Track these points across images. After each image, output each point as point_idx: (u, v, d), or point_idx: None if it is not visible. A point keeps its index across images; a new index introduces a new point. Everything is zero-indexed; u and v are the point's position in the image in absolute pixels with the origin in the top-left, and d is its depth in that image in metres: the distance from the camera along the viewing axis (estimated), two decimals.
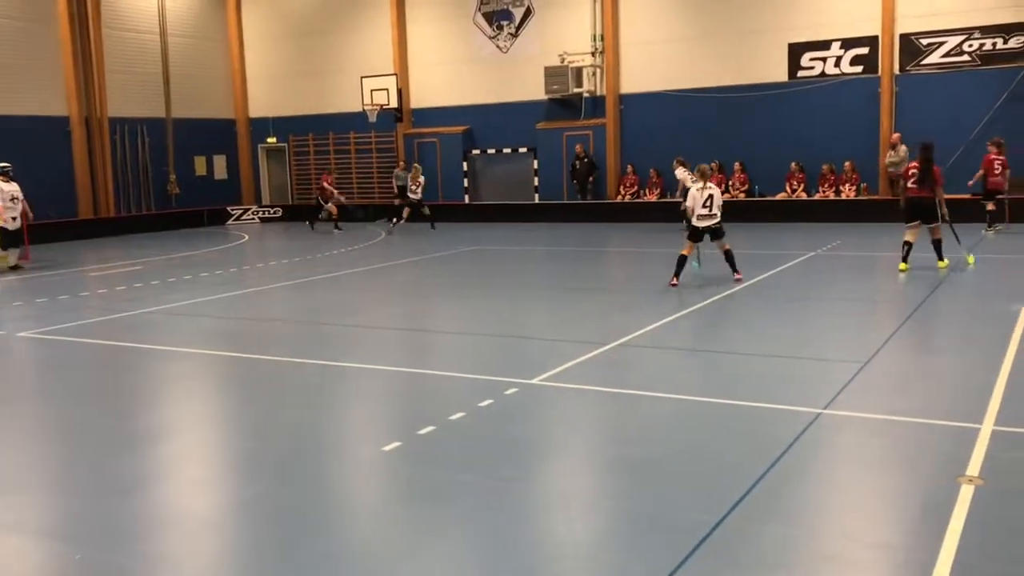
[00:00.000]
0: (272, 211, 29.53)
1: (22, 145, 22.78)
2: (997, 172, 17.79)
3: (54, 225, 22.95)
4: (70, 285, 14.77)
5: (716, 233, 12.63)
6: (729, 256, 12.76)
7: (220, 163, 29.46)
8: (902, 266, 13.27)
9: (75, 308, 12.38)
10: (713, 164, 20.37)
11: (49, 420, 7.28)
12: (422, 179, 23.75)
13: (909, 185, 13.32)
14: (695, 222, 12.62)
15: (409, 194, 23.77)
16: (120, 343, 10.01)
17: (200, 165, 28.94)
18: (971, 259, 13.64)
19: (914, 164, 13.35)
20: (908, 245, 13.25)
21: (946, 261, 13.31)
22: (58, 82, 24.52)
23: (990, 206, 17.77)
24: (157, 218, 26.64)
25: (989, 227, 17.54)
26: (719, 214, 12.61)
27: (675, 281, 12.49)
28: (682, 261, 12.66)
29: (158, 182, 27.39)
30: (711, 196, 12.57)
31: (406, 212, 23.93)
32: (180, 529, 4.98)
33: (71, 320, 11.37)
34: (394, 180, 26.59)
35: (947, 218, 13.19)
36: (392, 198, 26.35)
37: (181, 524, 5.06)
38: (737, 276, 12.61)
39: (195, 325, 11.14)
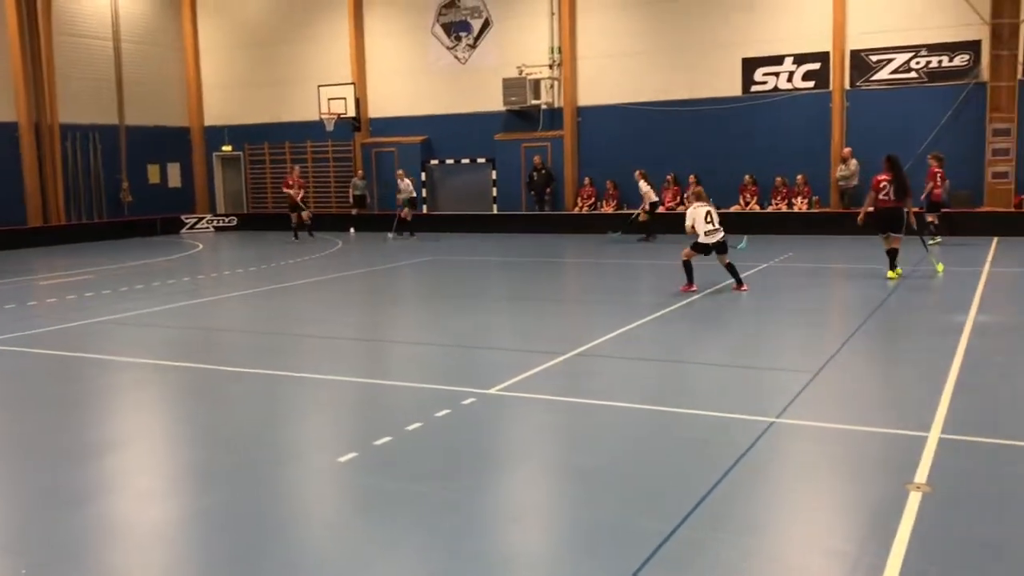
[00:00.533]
0: (227, 220, 29.20)
1: None
2: (939, 185, 18.05)
3: (1, 233, 22.45)
4: (18, 294, 14.46)
5: (722, 247, 12.93)
6: (732, 269, 13.00)
7: (174, 171, 29.09)
8: (891, 274, 13.49)
9: (23, 318, 12.12)
10: (691, 178, 20.58)
11: None
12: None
13: (881, 197, 13.55)
14: (703, 239, 12.83)
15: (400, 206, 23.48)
16: (70, 353, 9.82)
17: (153, 173, 28.54)
18: (940, 267, 14.05)
19: (885, 177, 13.55)
20: (894, 252, 13.51)
21: (899, 271, 13.60)
22: (7, 88, 24.03)
23: (930, 218, 17.93)
24: (109, 226, 26.20)
25: (932, 239, 17.52)
26: (722, 228, 12.97)
27: (693, 287, 12.79)
28: (688, 266, 12.93)
29: (110, 190, 26.95)
30: (709, 212, 12.90)
31: (405, 214, 23.69)
32: (131, 542, 4.90)
33: (19, 330, 11.14)
34: (351, 189, 26.49)
35: (915, 228, 13.65)
36: (349, 207, 26.26)
37: (132, 536, 4.97)
38: (743, 288, 12.76)
39: (147, 335, 10.97)
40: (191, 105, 29.49)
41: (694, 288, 12.73)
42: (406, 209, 23.59)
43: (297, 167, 25.15)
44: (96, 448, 6.61)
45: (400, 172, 24.38)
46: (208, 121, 29.73)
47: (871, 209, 13.79)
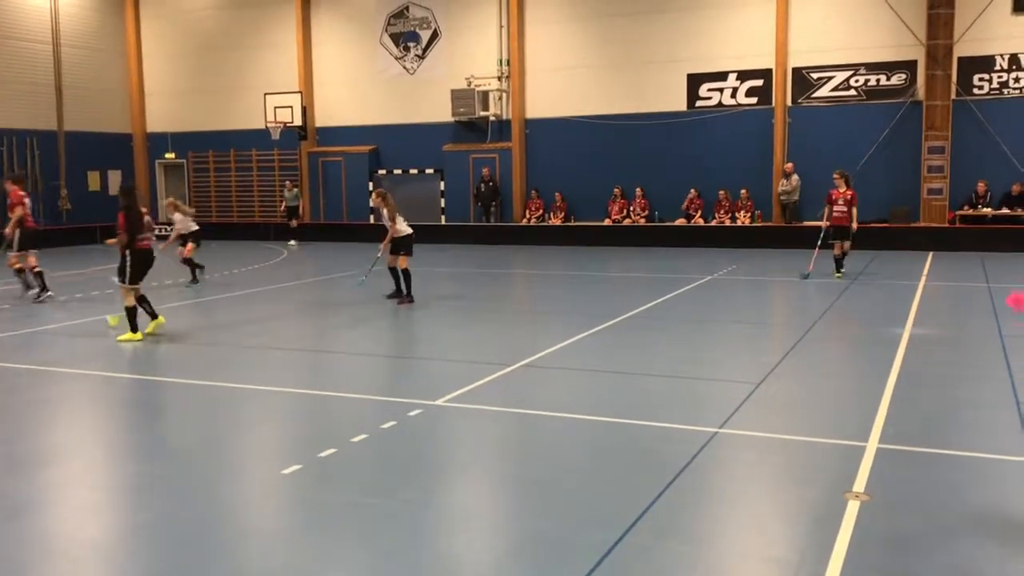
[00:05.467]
0: (169, 228, 28.65)
1: None
2: (840, 206, 15.46)
3: None
4: None
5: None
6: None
7: (115, 178, 28.48)
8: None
9: None
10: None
11: None
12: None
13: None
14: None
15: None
16: (5, 364, 9.55)
17: (93, 180, 27.94)
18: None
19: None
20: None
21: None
22: None
23: (836, 248, 15.58)
24: (46, 234, 25.49)
25: (837, 271, 15.64)
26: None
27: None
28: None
29: (48, 197, 26.31)
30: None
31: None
32: (68, 557, 4.78)
33: None
34: (284, 200, 26.11)
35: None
36: (278, 218, 26.05)
37: (69, 551, 4.85)
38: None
39: (85, 345, 10.72)
40: (133, 111, 28.97)
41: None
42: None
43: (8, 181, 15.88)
44: (32, 460, 6.44)
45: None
46: (151, 127, 29.24)
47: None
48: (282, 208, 26.17)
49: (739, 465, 6.11)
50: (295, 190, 26.17)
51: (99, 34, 27.92)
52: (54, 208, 26.48)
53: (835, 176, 15.83)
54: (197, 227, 16.81)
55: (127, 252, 10.75)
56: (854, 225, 15.44)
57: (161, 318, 11.21)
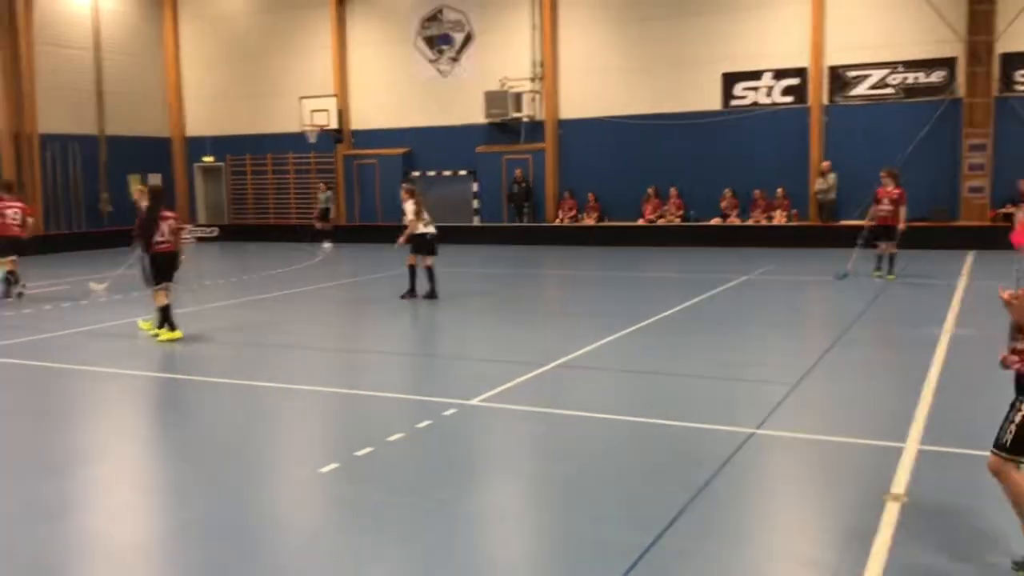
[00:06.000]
0: (208, 230, 29.06)
1: None
2: (886, 206, 15.12)
3: None
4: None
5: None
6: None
7: (154, 182, 28.87)
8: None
9: (1, 328, 12.00)
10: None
11: None
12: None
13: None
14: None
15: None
16: (47, 364, 9.75)
17: (134, 183, 28.35)
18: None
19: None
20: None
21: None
22: None
23: (881, 247, 15.23)
24: (87, 236, 26.01)
25: (889, 272, 15.16)
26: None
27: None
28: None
29: (89, 200, 26.77)
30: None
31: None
32: (110, 557, 4.87)
33: None
34: (319, 201, 26.30)
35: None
36: (312, 220, 26.16)
37: (112, 551, 4.94)
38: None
39: (126, 346, 10.89)
40: (172, 115, 29.38)
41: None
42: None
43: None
44: (74, 460, 6.57)
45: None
46: (190, 131, 29.62)
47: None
48: (316, 212, 26.39)
49: (776, 466, 6.07)
50: (328, 192, 26.39)
51: (138, 40, 28.35)
52: (95, 211, 26.93)
53: (882, 174, 15.43)
54: None
55: (146, 256, 10.79)
56: (901, 225, 14.95)
57: (179, 332, 10.95)
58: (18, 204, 15.38)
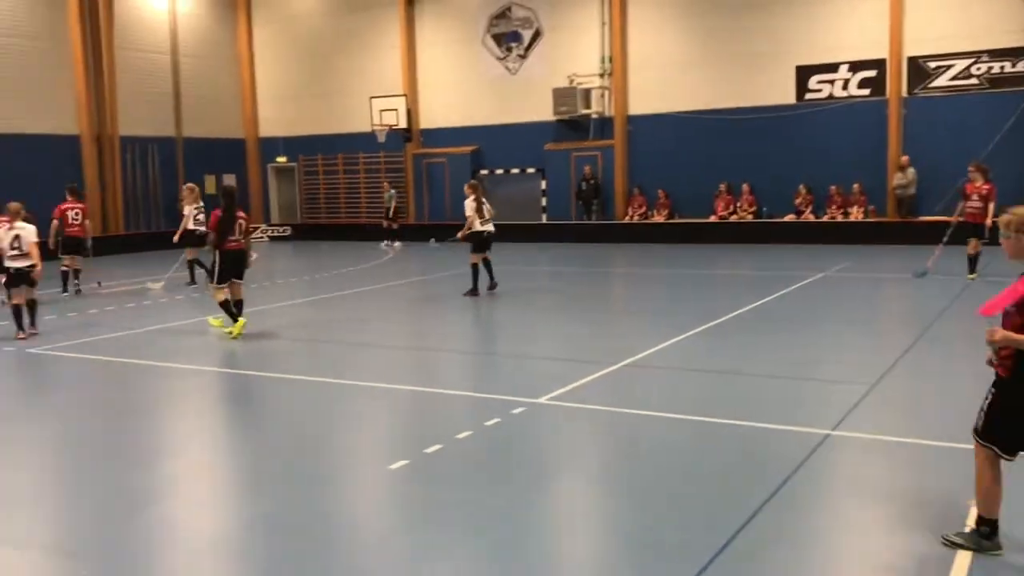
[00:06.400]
0: (281, 230, 29.65)
1: (35, 163, 23.00)
2: (975, 202, 14.55)
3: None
4: (78, 302, 14.82)
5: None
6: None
7: (229, 182, 29.56)
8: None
9: (84, 325, 12.41)
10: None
11: (58, 437, 7.29)
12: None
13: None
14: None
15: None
16: (128, 360, 10.04)
17: (210, 184, 29.04)
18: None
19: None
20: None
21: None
22: (70, 102, 24.70)
23: (971, 245, 14.43)
24: (166, 236, 26.69)
25: (971, 271, 14.44)
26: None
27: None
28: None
29: (167, 200, 27.51)
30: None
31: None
32: (189, 547, 4.98)
33: (79, 337, 11.40)
34: (385, 200, 26.48)
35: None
36: (383, 219, 26.34)
37: (190, 542, 5.05)
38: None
39: (203, 343, 11.15)
40: (246, 117, 30.03)
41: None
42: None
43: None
44: (154, 454, 6.75)
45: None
46: (263, 132, 30.24)
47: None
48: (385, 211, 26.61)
49: (852, 468, 5.90)
50: (392, 191, 26.64)
51: (214, 43, 29.04)
52: (173, 211, 27.66)
53: (970, 169, 14.83)
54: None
55: (216, 252, 11.05)
56: (989, 221, 14.16)
57: (241, 322, 11.11)
58: (80, 206, 16.29)
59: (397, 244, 25.36)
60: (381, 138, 26.30)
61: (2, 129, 22.88)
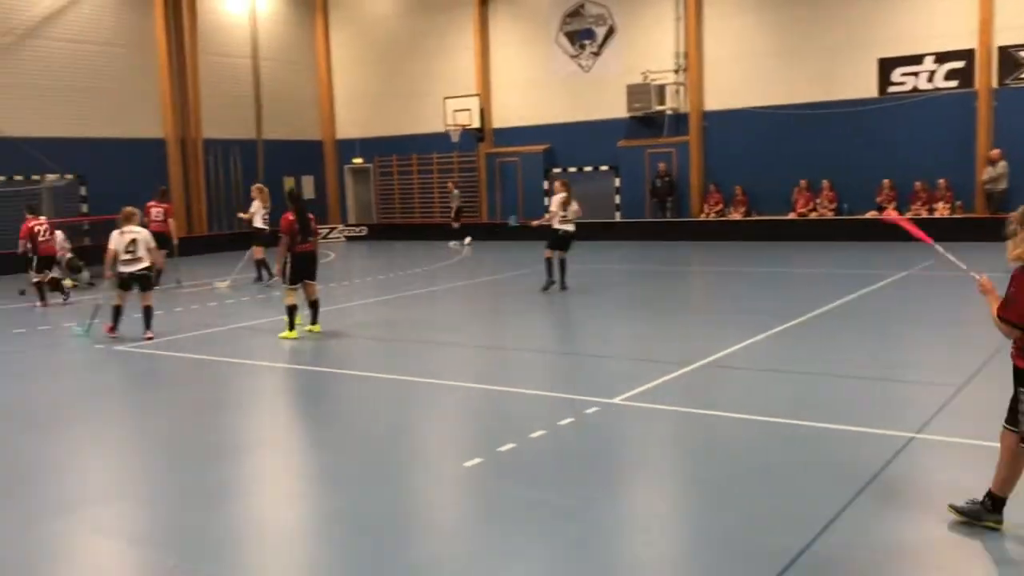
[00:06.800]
0: (357, 230, 30.11)
1: (122, 166, 23.86)
2: None
3: None
4: (164, 301, 15.28)
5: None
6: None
7: (308, 183, 30.16)
8: None
9: (169, 323, 12.78)
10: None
11: (145, 432, 7.54)
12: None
13: None
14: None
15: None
16: (211, 357, 10.32)
17: (288, 185, 29.70)
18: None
19: None
20: None
21: None
22: (156, 106, 25.51)
23: None
24: (248, 236, 27.34)
25: None
26: None
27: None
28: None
29: (248, 201, 28.16)
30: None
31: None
32: (269, 539, 5.10)
33: (165, 335, 11.75)
34: (452, 199, 26.67)
35: None
36: (451, 219, 26.53)
37: (269, 535, 5.17)
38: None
39: (283, 341, 11.38)
40: (324, 119, 30.58)
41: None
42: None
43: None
44: (236, 449, 6.92)
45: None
46: (340, 135, 30.75)
47: None
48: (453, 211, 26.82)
49: (937, 473, 5.71)
50: (456, 191, 26.83)
51: (292, 46, 29.64)
52: None
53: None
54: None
55: (288, 254, 11.07)
56: None
57: (315, 326, 11.30)
58: (164, 206, 17.68)
59: (468, 240, 25.52)
60: (455, 138, 26.49)
61: (92, 133, 23.75)
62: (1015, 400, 4.63)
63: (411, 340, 11.24)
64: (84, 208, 23.10)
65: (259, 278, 17.35)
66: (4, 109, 21.90)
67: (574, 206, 14.55)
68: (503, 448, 6.32)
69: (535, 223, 14.89)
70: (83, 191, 22.97)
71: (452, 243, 25.25)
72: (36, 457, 6.73)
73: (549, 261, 14.55)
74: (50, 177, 21.77)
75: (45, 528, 5.27)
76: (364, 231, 29.97)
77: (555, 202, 14.47)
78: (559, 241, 14.49)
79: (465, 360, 10.10)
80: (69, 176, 22.36)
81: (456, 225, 25.86)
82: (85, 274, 17.82)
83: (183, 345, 11.05)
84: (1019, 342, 4.53)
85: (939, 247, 5.32)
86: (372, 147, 30.16)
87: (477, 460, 6.11)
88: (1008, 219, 4.68)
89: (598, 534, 4.88)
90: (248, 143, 28.12)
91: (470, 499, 5.65)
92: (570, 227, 14.48)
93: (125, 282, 11.42)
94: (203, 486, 5.90)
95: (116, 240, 11.34)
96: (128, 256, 11.30)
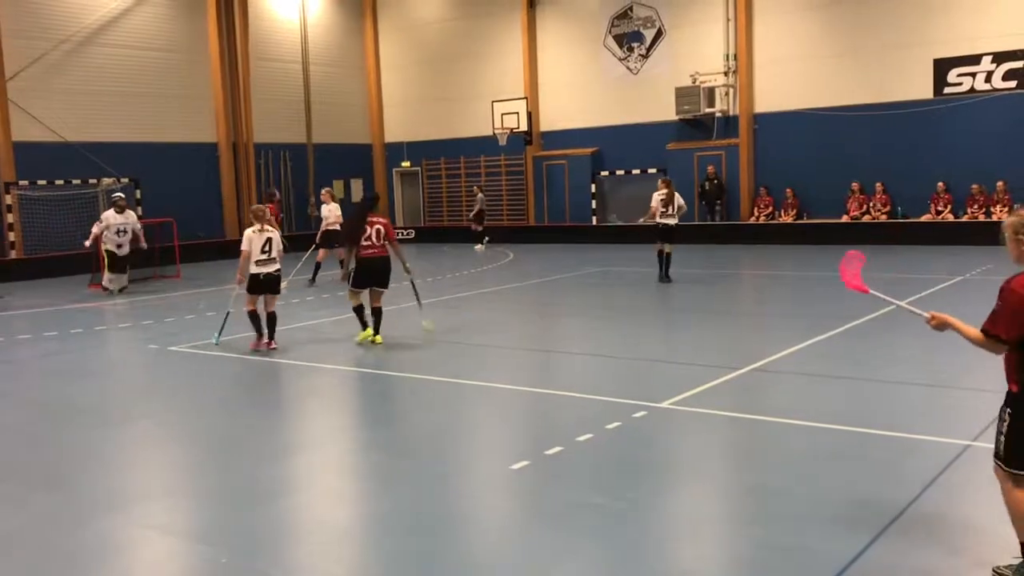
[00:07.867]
0: (405, 232, 30.31)
1: (175, 170, 24.38)
2: None
3: (203, 244, 24.27)
4: (217, 302, 15.53)
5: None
6: None
7: (357, 186, 30.48)
8: None
9: (220, 325, 12.97)
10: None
11: (198, 430, 7.67)
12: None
13: None
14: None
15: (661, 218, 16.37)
16: (261, 358, 10.46)
17: (338, 188, 30.01)
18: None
19: None
20: None
21: None
22: (209, 111, 25.98)
23: None
24: (298, 239, 27.73)
25: None
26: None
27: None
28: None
29: (299, 204, 28.59)
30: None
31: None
32: (319, 538, 5.15)
33: (229, 334, 11.92)
34: (476, 204, 26.60)
35: None
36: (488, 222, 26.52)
37: (320, 533, 5.23)
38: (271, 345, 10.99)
39: (332, 342, 11.51)
40: (372, 123, 30.87)
41: None
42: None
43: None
44: (287, 448, 7.01)
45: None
46: (388, 138, 31.01)
47: None
48: (473, 213, 26.69)
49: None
50: (480, 195, 26.86)
51: (342, 51, 29.98)
52: (304, 214, 28.72)
53: None
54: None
55: (352, 258, 10.93)
56: None
57: (376, 337, 11.03)
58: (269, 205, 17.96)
59: (487, 240, 25.59)
60: (502, 141, 26.56)
61: (146, 138, 24.27)
62: (1009, 428, 4.25)
63: (462, 343, 11.28)
64: (139, 211, 23.59)
65: (313, 281, 17.73)
66: (62, 114, 22.50)
67: (678, 201, 15.89)
68: (550, 451, 6.32)
69: (641, 220, 16.24)
70: (137, 194, 23.47)
71: (477, 246, 25.39)
72: (101, 452, 6.89)
73: (661, 253, 15.88)
74: (106, 181, 22.29)
75: (97, 524, 5.39)
76: (412, 234, 30.17)
77: (655, 198, 15.75)
78: (662, 234, 15.81)
79: (514, 363, 10.12)
80: (124, 180, 22.86)
81: (478, 228, 25.96)
82: (125, 277, 17.80)
83: (236, 345, 11.20)
84: (1009, 361, 4.31)
85: (881, 295, 5.04)
86: (420, 150, 30.36)
87: (524, 463, 6.11)
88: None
89: (647, 539, 4.86)
90: (298, 147, 28.49)
91: (518, 502, 5.65)
92: (671, 220, 15.81)
93: (260, 284, 10.65)
94: (257, 484, 6.00)
95: (253, 239, 10.57)
96: (263, 256, 10.60)
